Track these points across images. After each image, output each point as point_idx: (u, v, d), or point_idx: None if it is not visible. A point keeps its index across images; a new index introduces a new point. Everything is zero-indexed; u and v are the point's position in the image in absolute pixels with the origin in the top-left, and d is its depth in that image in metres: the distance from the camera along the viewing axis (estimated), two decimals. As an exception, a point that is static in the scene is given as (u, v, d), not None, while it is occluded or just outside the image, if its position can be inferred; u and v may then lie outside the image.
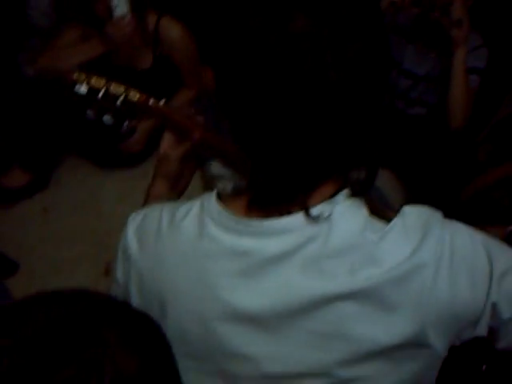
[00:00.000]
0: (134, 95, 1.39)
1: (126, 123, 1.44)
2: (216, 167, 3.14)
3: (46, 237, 3.00)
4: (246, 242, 1.06)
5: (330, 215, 1.03)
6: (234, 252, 1.07)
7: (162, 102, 1.44)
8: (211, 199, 1.13)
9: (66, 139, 3.23)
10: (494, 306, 1.04)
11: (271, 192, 1.06)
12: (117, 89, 1.37)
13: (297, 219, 1.03)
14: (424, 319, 1.01)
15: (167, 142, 1.49)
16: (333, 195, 1.05)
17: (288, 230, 1.03)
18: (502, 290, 1.04)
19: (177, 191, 1.53)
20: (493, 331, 1.07)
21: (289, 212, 1.04)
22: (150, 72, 3.23)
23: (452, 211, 1.17)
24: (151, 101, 1.42)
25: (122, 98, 1.37)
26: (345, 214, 1.04)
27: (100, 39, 3.08)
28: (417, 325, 1.01)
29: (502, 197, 3.03)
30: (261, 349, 1.08)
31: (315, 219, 1.02)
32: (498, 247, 1.09)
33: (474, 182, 3.14)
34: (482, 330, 1.06)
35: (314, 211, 1.03)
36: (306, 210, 1.03)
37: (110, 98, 1.37)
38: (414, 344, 1.02)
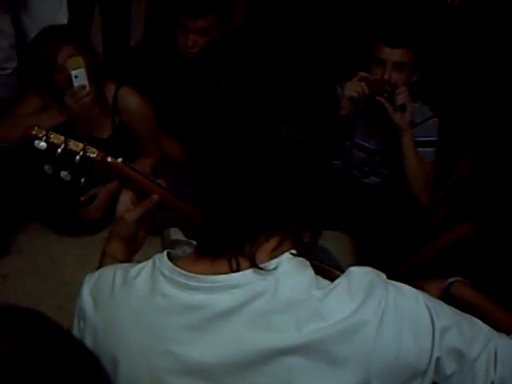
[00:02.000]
0: (92, 152, 1.42)
1: (82, 180, 1.46)
2: (175, 233, 3.16)
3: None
4: (197, 298, 1.09)
5: (275, 270, 1.06)
6: (185, 307, 1.10)
7: (119, 160, 1.46)
8: (163, 258, 1.16)
9: (25, 206, 3.23)
10: (438, 360, 1.07)
11: (220, 241, 1.10)
12: (75, 146, 1.40)
13: (246, 275, 1.07)
14: (368, 373, 1.03)
15: (123, 204, 1.49)
16: (278, 252, 1.09)
17: (238, 285, 1.07)
18: (443, 345, 1.07)
19: (133, 249, 1.54)
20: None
21: (238, 267, 1.08)
22: (109, 141, 3.27)
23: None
24: (109, 158, 1.44)
25: (80, 155, 1.40)
26: (291, 271, 1.08)
27: (59, 109, 3.13)
28: (362, 378, 1.04)
29: (456, 258, 3.09)
30: None
31: (262, 272, 1.06)
32: (438, 305, 1.12)
33: (426, 246, 3.19)
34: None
35: (261, 266, 1.07)
36: (253, 261, 1.07)
37: (68, 154, 1.39)
38: None
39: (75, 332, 1.25)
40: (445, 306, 1.14)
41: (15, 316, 0.78)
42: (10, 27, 3.52)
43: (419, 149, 3.17)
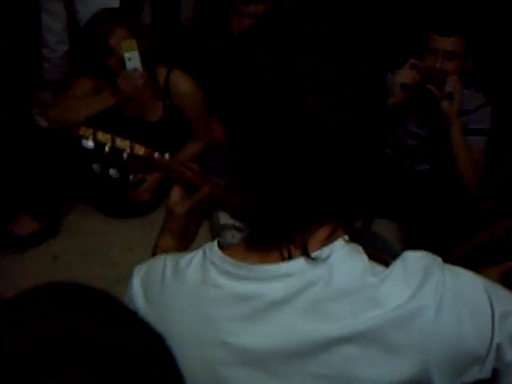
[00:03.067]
0: (139, 149, 1.42)
1: (131, 177, 1.47)
2: (224, 217, 3.16)
3: None
4: (249, 287, 1.08)
5: (329, 257, 1.05)
6: (237, 297, 1.09)
7: (166, 156, 1.46)
8: (213, 247, 1.15)
9: (75, 188, 3.27)
10: (498, 347, 1.04)
11: (270, 232, 1.09)
12: (122, 143, 1.41)
13: (298, 263, 1.06)
14: (427, 359, 1.02)
15: (174, 197, 1.49)
16: (330, 240, 1.08)
17: (290, 274, 1.05)
18: (504, 330, 1.04)
19: (184, 244, 1.53)
20: (495, 373, 1.07)
21: (290, 256, 1.06)
22: (159, 124, 3.28)
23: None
24: (156, 155, 1.45)
25: (127, 152, 1.40)
26: (345, 258, 1.06)
27: (111, 91, 3.14)
28: (420, 365, 1.02)
29: (508, 250, 3.05)
30: None
31: (315, 261, 1.04)
32: (497, 290, 1.10)
33: (478, 234, 3.16)
34: (486, 372, 1.05)
35: (314, 255, 1.05)
36: (305, 250, 1.05)
37: (115, 152, 1.40)
38: (417, 382, 1.03)
39: None
40: (504, 290, 1.12)
41: (79, 292, 0.77)
42: (62, 10, 3.56)
43: (471, 137, 3.14)
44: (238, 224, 3.07)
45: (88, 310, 0.72)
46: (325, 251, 1.06)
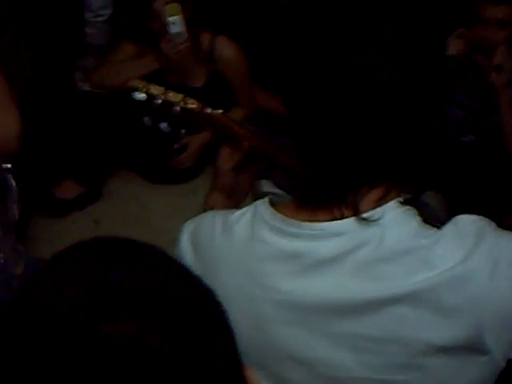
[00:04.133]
0: (192, 103, 1.41)
1: (182, 131, 1.45)
2: (267, 186, 3.15)
3: None
4: (299, 245, 1.07)
5: (381, 219, 1.03)
6: (287, 254, 1.08)
7: (219, 111, 1.45)
8: (264, 204, 1.15)
9: (118, 153, 3.28)
10: None
11: (322, 192, 1.08)
12: (175, 97, 1.40)
13: (349, 223, 1.05)
14: (480, 323, 1.00)
15: (223, 154, 1.49)
16: (383, 202, 1.06)
17: (341, 233, 1.05)
18: None
19: (234, 202, 1.53)
20: None
21: (341, 215, 1.06)
22: (203, 90, 3.25)
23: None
24: (208, 109, 1.43)
25: (180, 106, 1.39)
26: (397, 220, 1.05)
27: (154, 56, 3.14)
28: (473, 329, 1.01)
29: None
30: (314, 352, 1.08)
31: (366, 221, 1.03)
32: None
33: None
34: None
35: (366, 215, 1.04)
36: (357, 212, 1.04)
37: (167, 105, 1.38)
38: (471, 348, 1.02)
39: None
40: None
41: (131, 245, 0.80)
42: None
43: None
44: (280, 192, 3.07)
45: (136, 261, 0.73)
46: (377, 212, 1.05)
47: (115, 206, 3.28)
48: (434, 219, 1.11)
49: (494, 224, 1.08)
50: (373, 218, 1.04)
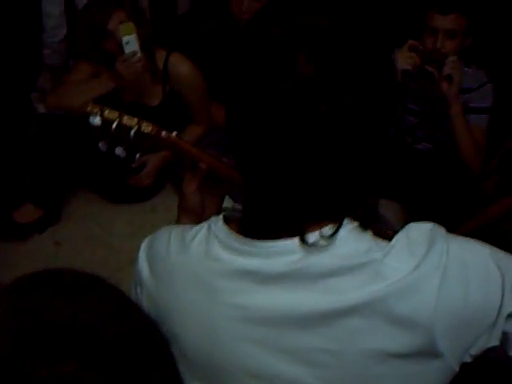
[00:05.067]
0: (147, 127, 1.41)
1: (137, 155, 1.46)
2: (227, 200, 3.15)
3: None
4: (252, 262, 1.08)
5: (331, 236, 1.04)
6: (241, 271, 1.09)
7: (174, 134, 1.45)
8: (218, 222, 1.16)
9: (76, 174, 3.26)
10: (509, 315, 1.04)
11: (267, 223, 1.09)
12: (130, 121, 1.40)
13: (300, 242, 1.06)
14: (433, 330, 1.01)
15: (185, 178, 1.50)
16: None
17: (292, 250, 1.05)
18: None
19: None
20: (505, 339, 1.07)
21: (292, 235, 1.07)
22: (159, 108, 3.27)
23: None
24: (163, 133, 1.44)
25: (134, 130, 1.39)
26: (349, 236, 1.06)
27: (110, 76, 3.12)
28: (426, 336, 1.02)
29: (509, 229, 3.05)
30: (271, 368, 1.09)
31: (313, 246, 1.04)
32: (506, 257, 1.09)
33: (479, 213, 3.16)
34: (494, 341, 1.05)
35: (315, 236, 1.05)
36: (303, 239, 1.05)
37: (123, 129, 1.39)
38: (425, 354, 1.03)
39: (136, 293, 1.26)
40: (510, 255, 1.11)
41: (74, 279, 0.78)
42: (60, -6, 3.53)
43: (473, 115, 3.13)
44: (239, 207, 3.07)
45: (76, 297, 0.73)
46: (328, 231, 1.06)
47: (75, 227, 3.27)
48: (389, 230, 1.12)
49: (444, 230, 1.10)
50: (320, 243, 1.05)
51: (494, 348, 1.07)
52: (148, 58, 3.11)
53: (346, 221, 1.07)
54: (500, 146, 3.56)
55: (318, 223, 1.07)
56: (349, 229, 1.07)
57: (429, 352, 1.03)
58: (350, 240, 1.06)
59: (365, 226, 1.09)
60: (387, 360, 1.03)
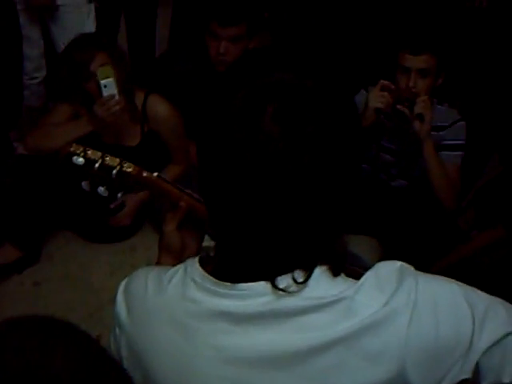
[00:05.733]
0: (129, 167, 1.44)
1: (119, 195, 1.48)
2: (207, 239, 3.15)
3: (37, 311, 2.92)
4: (227, 304, 1.10)
5: (303, 283, 1.07)
6: (216, 313, 1.11)
7: (155, 174, 1.49)
8: (194, 264, 1.18)
9: (56, 215, 3.24)
10: (480, 344, 1.06)
11: (238, 268, 1.12)
12: (112, 161, 1.43)
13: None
14: (404, 365, 1.03)
15: (166, 217, 1.52)
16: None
17: (265, 293, 1.08)
18: (484, 329, 1.07)
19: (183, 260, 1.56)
20: (478, 371, 1.09)
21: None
22: (138, 149, 3.28)
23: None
24: (145, 173, 1.47)
25: (117, 170, 1.42)
26: (320, 280, 1.09)
27: (89, 118, 3.14)
28: (397, 371, 1.04)
29: (487, 262, 3.08)
30: None
31: (285, 291, 1.07)
32: (473, 291, 1.12)
33: (456, 249, 3.19)
34: (466, 373, 1.07)
35: (287, 280, 1.07)
36: (274, 284, 1.07)
37: (105, 169, 1.41)
38: None
39: (112, 339, 1.28)
40: (478, 291, 1.14)
41: (44, 326, 0.79)
42: (39, 37, 3.57)
43: (447, 152, 3.18)
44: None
45: (52, 348, 0.73)
46: (299, 275, 1.08)
47: (55, 267, 3.24)
48: (362, 268, 1.15)
49: (412, 268, 1.12)
50: (292, 289, 1.07)
51: (467, 381, 1.08)
52: (127, 99, 3.14)
53: (319, 267, 1.10)
54: (475, 182, 3.62)
55: (289, 269, 1.09)
56: (320, 273, 1.09)
57: None
58: (321, 283, 1.09)
59: (336, 270, 1.11)
60: None
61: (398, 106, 3.09)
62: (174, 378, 1.16)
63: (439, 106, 3.24)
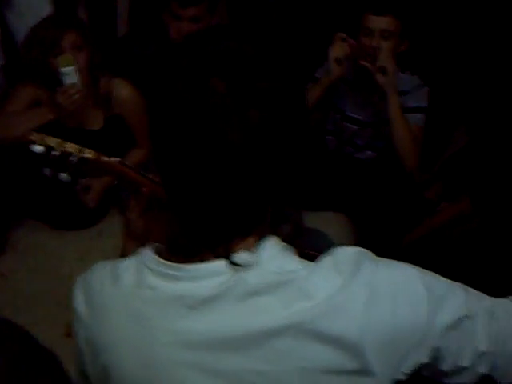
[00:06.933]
0: (89, 153, 1.44)
1: (81, 180, 1.48)
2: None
3: (4, 302, 2.93)
4: (181, 287, 1.10)
5: (258, 255, 1.07)
6: (171, 297, 1.11)
7: (115, 159, 1.49)
8: (148, 251, 1.18)
9: (19, 204, 3.22)
10: (438, 327, 1.07)
11: (191, 245, 1.11)
12: (71, 147, 1.43)
13: (226, 263, 1.08)
14: (362, 349, 1.03)
15: (130, 203, 1.52)
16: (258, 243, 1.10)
17: (219, 272, 1.07)
18: (441, 313, 1.07)
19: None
20: (439, 356, 1.10)
21: (218, 256, 1.09)
22: (101, 132, 3.26)
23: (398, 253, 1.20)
24: (104, 158, 1.46)
25: (76, 156, 1.42)
26: (274, 255, 1.09)
27: (50, 105, 3.11)
28: (356, 354, 1.04)
29: (455, 235, 3.11)
30: None
31: (240, 266, 1.06)
32: (432, 276, 1.13)
33: (424, 223, 3.22)
34: (425, 357, 1.08)
35: (240, 255, 1.07)
36: (229, 259, 1.07)
37: (65, 156, 1.41)
38: (356, 372, 1.05)
39: (75, 330, 1.27)
40: (438, 276, 1.14)
41: None
42: (-6, 24, 3.51)
43: (409, 114, 3.21)
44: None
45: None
46: (254, 250, 1.08)
47: (21, 257, 3.21)
48: (328, 247, 1.15)
49: (371, 253, 1.13)
50: (247, 261, 1.07)
51: (427, 366, 1.10)
52: (91, 83, 3.14)
53: (271, 240, 1.10)
54: (440, 154, 3.64)
55: (242, 239, 1.10)
56: (273, 247, 1.10)
57: (360, 370, 1.05)
58: (275, 258, 1.08)
59: (290, 243, 1.12)
60: (319, 379, 1.05)
61: (361, 62, 3.13)
62: (135, 368, 1.15)
63: (401, 74, 3.28)
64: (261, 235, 1.11)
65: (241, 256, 1.07)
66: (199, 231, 1.11)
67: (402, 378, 1.08)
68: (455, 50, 3.72)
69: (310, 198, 3.17)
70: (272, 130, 1.03)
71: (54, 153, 1.40)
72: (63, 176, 1.44)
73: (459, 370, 1.12)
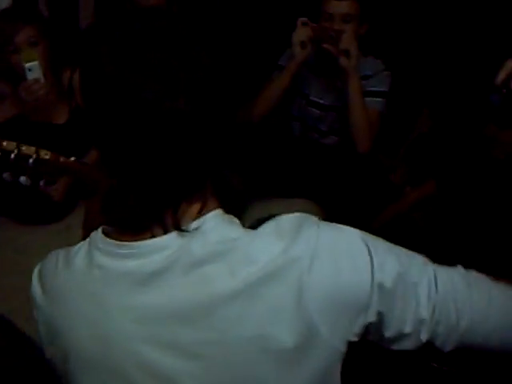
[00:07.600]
0: (45, 154, 1.44)
1: (41, 182, 1.47)
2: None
3: None
4: (130, 264, 1.13)
5: (201, 226, 1.10)
6: (120, 274, 1.14)
7: (72, 159, 1.50)
8: (97, 233, 1.21)
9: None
10: (381, 287, 1.10)
11: (140, 216, 1.13)
12: (28, 150, 1.43)
13: (171, 237, 1.10)
14: (308, 312, 1.06)
15: (92, 198, 1.54)
16: (204, 213, 1.13)
17: (166, 246, 1.10)
18: (384, 274, 1.10)
19: None
20: (381, 320, 1.13)
21: (165, 231, 1.11)
22: (66, 126, 3.25)
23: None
24: (61, 158, 1.47)
25: (33, 158, 1.42)
26: (217, 226, 1.12)
27: (13, 100, 3.10)
28: (303, 318, 1.06)
29: (420, 218, 3.14)
30: (163, 366, 1.13)
31: (187, 232, 1.09)
32: (375, 240, 1.15)
33: (392, 205, 3.24)
34: (372, 316, 1.11)
35: (185, 227, 1.10)
36: (176, 225, 1.10)
37: (22, 158, 1.41)
38: (306, 336, 1.07)
39: (35, 317, 1.30)
40: (381, 240, 1.17)
41: None
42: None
43: (370, 98, 3.24)
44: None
45: None
46: (197, 222, 1.11)
47: (-10, 253, 3.19)
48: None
49: (314, 217, 1.15)
50: (193, 228, 1.10)
51: (374, 328, 1.13)
52: (54, 76, 3.12)
53: (214, 213, 1.13)
54: (405, 138, 3.66)
55: (188, 206, 1.13)
56: (218, 220, 1.13)
57: (309, 334, 1.07)
58: (219, 227, 1.12)
59: (233, 212, 1.15)
60: (269, 344, 1.07)
61: (324, 45, 3.14)
62: (92, 348, 1.18)
63: (365, 58, 3.30)
64: (204, 204, 1.14)
65: (188, 225, 1.10)
66: (144, 202, 1.12)
67: (355, 338, 1.12)
68: (417, 33, 3.73)
69: (277, 185, 3.18)
70: (215, 94, 1.07)
71: (10, 156, 1.40)
72: (23, 179, 1.45)
73: (401, 336, 1.14)
